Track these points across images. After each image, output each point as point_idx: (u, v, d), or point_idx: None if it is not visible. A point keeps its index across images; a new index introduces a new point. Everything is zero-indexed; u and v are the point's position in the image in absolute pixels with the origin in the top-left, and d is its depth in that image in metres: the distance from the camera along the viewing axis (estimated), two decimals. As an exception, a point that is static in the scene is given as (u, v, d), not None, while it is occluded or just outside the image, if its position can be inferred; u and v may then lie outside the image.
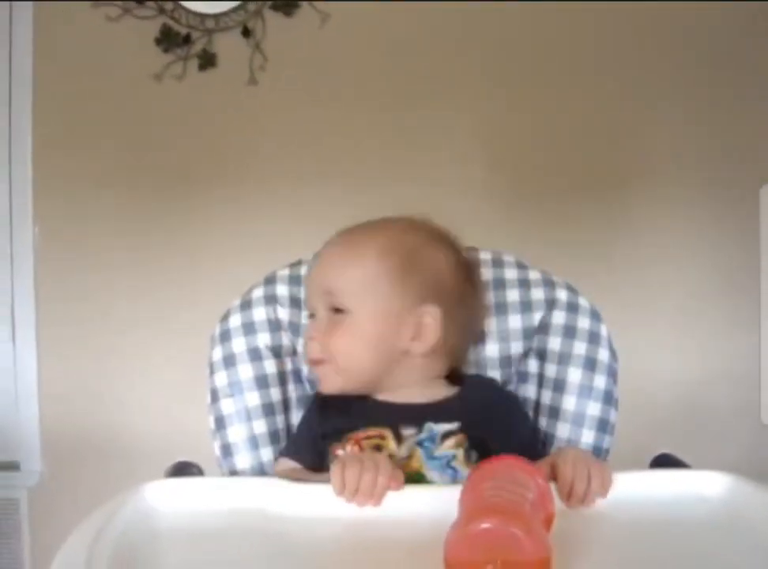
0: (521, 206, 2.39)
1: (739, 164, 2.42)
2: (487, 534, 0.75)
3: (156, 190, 2.44)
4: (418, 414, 1.16)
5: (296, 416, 1.31)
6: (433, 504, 0.88)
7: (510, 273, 1.36)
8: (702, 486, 1.01)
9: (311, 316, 1.23)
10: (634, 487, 1.01)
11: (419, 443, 1.13)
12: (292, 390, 1.32)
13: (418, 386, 1.21)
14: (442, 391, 1.23)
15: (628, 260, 2.44)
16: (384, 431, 1.14)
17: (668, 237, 2.46)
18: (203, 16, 2.43)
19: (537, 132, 2.44)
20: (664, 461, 1.19)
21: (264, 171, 2.43)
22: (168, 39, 2.42)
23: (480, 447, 1.13)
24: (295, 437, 1.27)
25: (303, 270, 1.36)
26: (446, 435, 1.14)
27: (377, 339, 1.20)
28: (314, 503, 0.98)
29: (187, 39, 2.43)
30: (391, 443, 1.13)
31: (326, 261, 1.23)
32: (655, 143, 2.45)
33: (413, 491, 1.00)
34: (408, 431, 1.14)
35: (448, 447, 1.13)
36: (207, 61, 2.44)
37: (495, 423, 1.18)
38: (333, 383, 1.20)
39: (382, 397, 1.22)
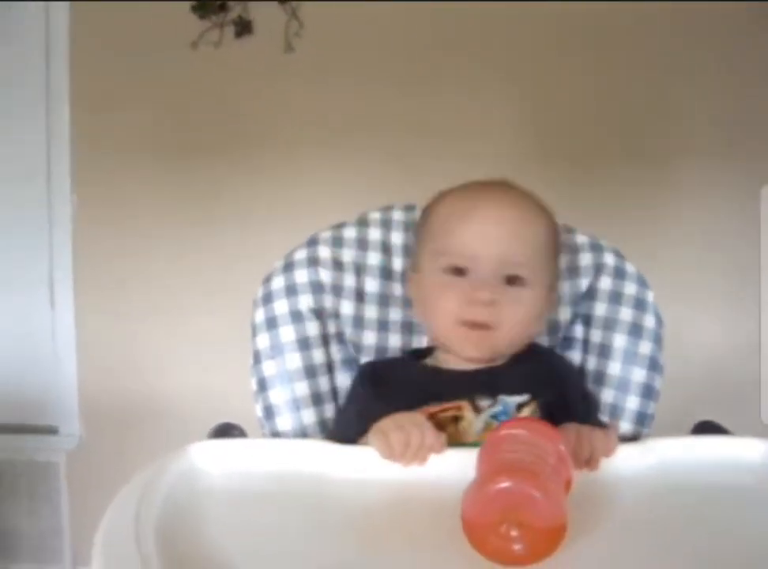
0: (559, 170, 2.36)
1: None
2: (504, 494, 0.75)
3: (193, 156, 2.44)
4: (490, 382, 1.15)
5: (341, 378, 1.30)
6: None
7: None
8: (743, 452, 1.01)
9: (457, 272, 1.16)
10: (675, 453, 1.01)
11: (495, 416, 1.11)
12: (336, 352, 1.31)
13: None
14: (504, 356, 1.22)
15: (671, 225, 2.42)
16: (462, 403, 1.12)
17: (711, 209, 2.42)
18: (239, -17, 2.41)
19: (575, 102, 2.41)
20: (705, 428, 1.18)
21: (302, 140, 2.41)
22: (204, 7, 2.40)
23: (550, 415, 1.10)
24: (345, 415, 1.24)
25: (346, 232, 1.35)
26: (520, 407, 1.13)
27: (539, 314, 1.21)
28: (357, 466, 0.98)
29: (223, 6, 2.41)
30: (470, 415, 1.11)
31: (505, 226, 1.17)
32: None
33: (456, 453, 0.99)
34: (483, 403, 1.12)
35: None
36: (243, 28, 2.42)
37: (560, 392, 1.17)
38: (484, 350, 1.17)
39: (446, 364, 1.21)
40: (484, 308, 1.13)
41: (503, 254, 1.15)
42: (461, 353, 1.18)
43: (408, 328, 1.33)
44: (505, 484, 0.75)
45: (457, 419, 1.11)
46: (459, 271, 1.16)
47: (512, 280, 1.15)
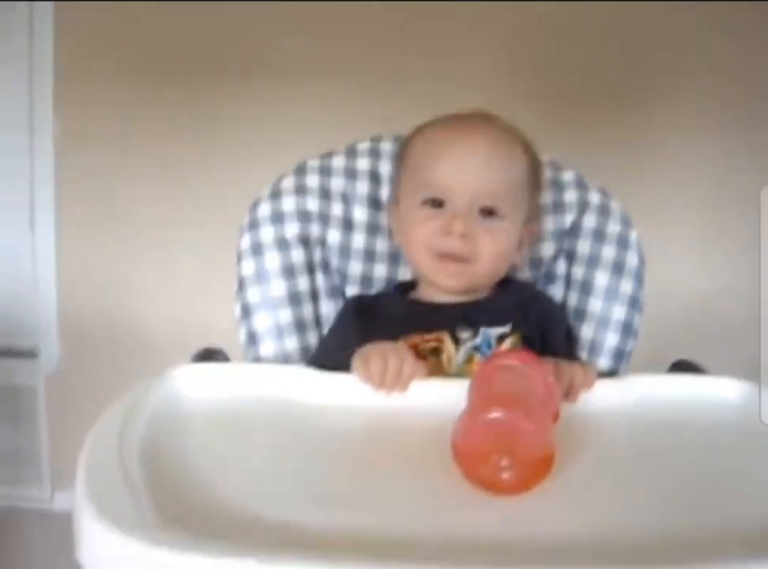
0: (547, 107, 2.35)
1: None
2: (495, 424, 0.76)
3: (179, 83, 2.38)
4: (471, 315, 1.17)
5: (326, 306, 1.31)
6: (457, 394, 0.88)
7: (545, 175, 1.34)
8: (719, 391, 1.03)
9: (435, 204, 1.18)
10: (652, 390, 1.03)
11: (476, 348, 1.13)
12: (321, 280, 1.32)
13: None
14: (485, 290, 1.24)
15: (652, 164, 2.42)
16: (442, 335, 1.14)
17: (691, 146, 2.42)
18: None
19: (561, 38, 2.38)
20: (682, 367, 1.20)
21: (289, 64, 2.36)
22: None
23: (531, 347, 1.13)
24: (328, 346, 1.24)
25: (335, 161, 1.35)
26: (501, 338, 1.15)
27: (514, 248, 1.22)
28: (339, 392, 0.99)
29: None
30: (450, 347, 1.13)
31: (480, 159, 1.18)
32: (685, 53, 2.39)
33: (437, 382, 1.01)
34: (464, 335, 1.14)
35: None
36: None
37: (540, 324, 1.19)
38: (461, 281, 1.18)
39: (429, 297, 1.23)
40: (459, 240, 1.15)
41: (478, 187, 1.16)
42: (438, 284, 1.20)
43: (394, 258, 1.34)
44: (496, 414, 0.76)
45: (438, 350, 1.13)
46: (436, 203, 1.18)
47: (487, 212, 1.17)
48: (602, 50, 2.37)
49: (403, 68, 2.34)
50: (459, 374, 1.10)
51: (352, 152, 1.36)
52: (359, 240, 1.33)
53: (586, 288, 1.31)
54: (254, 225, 1.31)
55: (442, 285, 1.19)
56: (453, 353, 1.13)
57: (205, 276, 2.24)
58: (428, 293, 1.23)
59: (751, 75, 2.38)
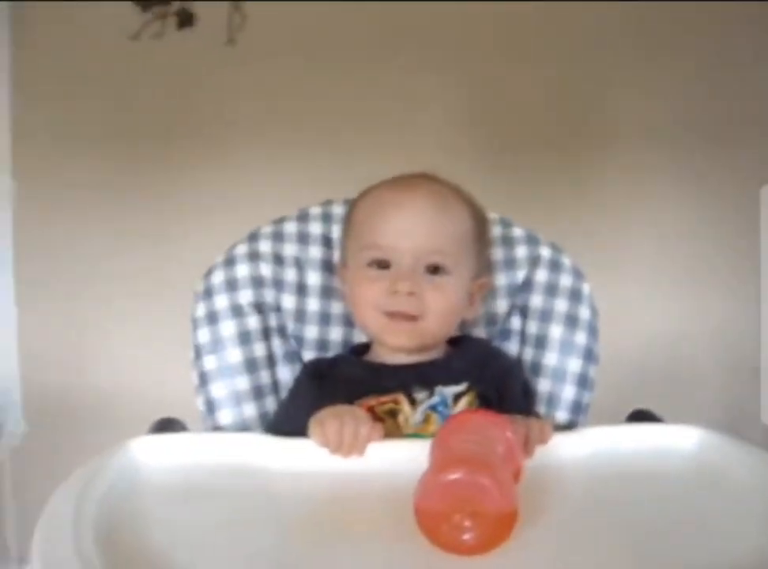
0: (499, 164, 2.40)
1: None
2: (456, 484, 0.77)
3: (136, 148, 2.40)
4: (426, 374, 1.17)
5: (283, 372, 1.31)
6: (415, 455, 0.89)
7: (495, 231, 1.36)
8: (675, 440, 1.04)
9: (380, 266, 1.19)
10: (609, 441, 1.04)
11: (433, 408, 1.13)
12: (277, 346, 1.31)
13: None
14: (440, 349, 1.25)
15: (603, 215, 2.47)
16: (398, 396, 1.14)
17: (639, 196, 2.48)
18: (181, -25, 2.39)
19: (515, 92, 2.43)
20: (639, 417, 1.21)
21: (243, 132, 2.40)
22: (147, -3, 2.39)
23: (488, 405, 1.14)
24: (286, 411, 1.23)
25: (287, 227, 1.36)
26: (457, 397, 1.15)
27: (464, 302, 1.23)
28: (297, 458, 0.99)
29: (165, -2, 2.39)
30: (406, 408, 1.13)
31: (423, 217, 1.19)
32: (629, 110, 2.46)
33: (394, 443, 1.01)
34: (420, 395, 1.15)
35: (462, 409, 1.14)
36: (185, 20, 2.40)
37: (497, 381, 1.20)
38: (412, 340, 1.19)
39: (383, 358, 1.23)
40: (406, 298, 1.16)
41: (422, 245, 1.17)
42: (389, 343, 1.21)
43: (349, 321, 1.34)
44: (456, 475, 0.77)
45: (394, 412, 1.13)
46: (382, 264, 1.19)
47: (434, 269, 1.18)
48: (553, 97, 2.44)
49: (364, 133, 2.39)
50: (416, 434, 1.10)
51: (303, 217, 1.38)
52: (313, 304, 1.33)
53: (541, 342, 1.32)
54: (208, 293, 1.31)
55: (393, 345, 1.20)
56: (409, 414, 1.13)
57: (168, 344, 2.22)
58: (382, 354, 1.24)
59: (703, 120, 2.45)
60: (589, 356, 1.31)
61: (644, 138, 2.45)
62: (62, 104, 2.39)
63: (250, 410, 1.26)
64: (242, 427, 1.25)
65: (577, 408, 1.29)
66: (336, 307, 1.35)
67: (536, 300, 1.34)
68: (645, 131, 2.44)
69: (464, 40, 2.41)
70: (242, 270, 1.31)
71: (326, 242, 1.36)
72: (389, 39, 2.40)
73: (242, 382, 1.27)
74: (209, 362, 1.28)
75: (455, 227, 1.21)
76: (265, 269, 1.32)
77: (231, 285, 1.30)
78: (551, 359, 1.30)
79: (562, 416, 1.28)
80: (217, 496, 0.92)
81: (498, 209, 1.39)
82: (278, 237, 1.35)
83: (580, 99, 2.44)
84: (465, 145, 2.39)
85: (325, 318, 1.34)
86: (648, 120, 2.44)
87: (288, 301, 1.33)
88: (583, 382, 1.30)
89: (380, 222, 1.20)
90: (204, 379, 1.28)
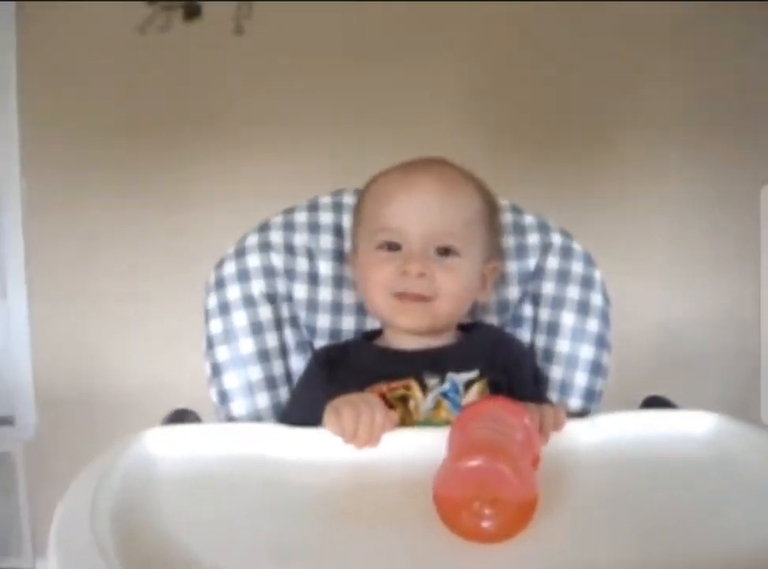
0: (510, 149, 2.39)
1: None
2: (476, 471, 0.77)
3: (144, 141, 2.41)
4: (438, 361, 1.17)
5: (295, 361, 1.31)
6: (430, 444, 0.89)
7: (506, 218, 1.36)
8: (690, 425, 1.03)
9: (391, 248, 1.20)
10: (623, 428, 1.03)
11: (444, 394, 1.13)
12: (290, 336, 1.31)
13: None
14: (452, 335, 1.25)
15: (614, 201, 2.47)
16: (409, 382, 1.14)
17: (655, 179, 2.47)
18: (187, -35, 2.39)
19: (522, 89, 2.43)
20: (654, 403, 1.21)
21: (251, 121, 2.40)
22: (153, -10, 2.38)
23: (499, 391, 1.13)
24: (298, 400, 1.24)
25: (297, 217, 1.36)
26: (468, 384, 1.15)
27: (475, 285, 1.24)
28: (311, 448, 0.99)
29: (172, -10, 2.39)
30: (418, 394, 1.13)
31: (433, 199, 1.19)
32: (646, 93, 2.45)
33: (409, 432, 1.02)
34: (431, 381, 1.14)
35: (473, 396, 1.14)
36: (192, 12, 2.40)
37: (508, 368, 1.20)
38: (423, 321, 1.19)
39: (395, 343, 1.23)
40: (416, 280, 1.16)
41: (432, 227, 1.18)
42: (400, 325, 1.21)
43: (361, 310, 1.34)
44: (476, 462, 0.77)
45: (405, 398, 1.13)
46: (393, 247, 1.19)
47: (444, 252, 1.18)
48: (563, 91, 2.42)
49: (371, 121, 2.39)
50: (427, 420, 1.11)
51: (314, 207, 1.38)
52: (325, 294, 1.34)
53: (553, 330, 1.31)
54: (220, 284, 1.31)
55: (404, 327, 1.20)
56: (420, 400, 1.13)
57: (180, 335, 2.23)
58: (394, 340, 1.24)
59: (712, 110, 2.44)
60: (602, 342, 1.31)
61: (655, 130, 2.44)
62: (69, 97, 2.40)
63: (263, 401, 1.26)
64: (256, 417, 1.25)
65: (590, 395, 1.29)
66: (348, 296, 1.35)
67: (548, 287, 1.34)
68: (657, 122, 2.44)
69: (472, 36, 2.40)
70: (254, 261, 1.31)
71: (337, 231, 1.36)
72: (398, 30, 2.39)
73: (255, 373, 1.27)
74: (222, 353, 1.28)
75: (466, 209, 1.21)
76: (277, 260, 1.32)
77: (243, 276, 1.30)
78: (563, 346, 1.30)
79: (575, 403, 1.28)
80: (231, 487, 0.92)
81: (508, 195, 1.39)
82: (289, 227, 1.35)
83: (587, 95, 2.44)
84: (474, 139, 2.38)
85: (337, 308, 1.34)
86: (660, 110, 2.44)
87: (300, 291, 1.32)
88: (596, 368, 1.29)
89: (390, 205, 1.21)
90: (216, 370, 1.28)
